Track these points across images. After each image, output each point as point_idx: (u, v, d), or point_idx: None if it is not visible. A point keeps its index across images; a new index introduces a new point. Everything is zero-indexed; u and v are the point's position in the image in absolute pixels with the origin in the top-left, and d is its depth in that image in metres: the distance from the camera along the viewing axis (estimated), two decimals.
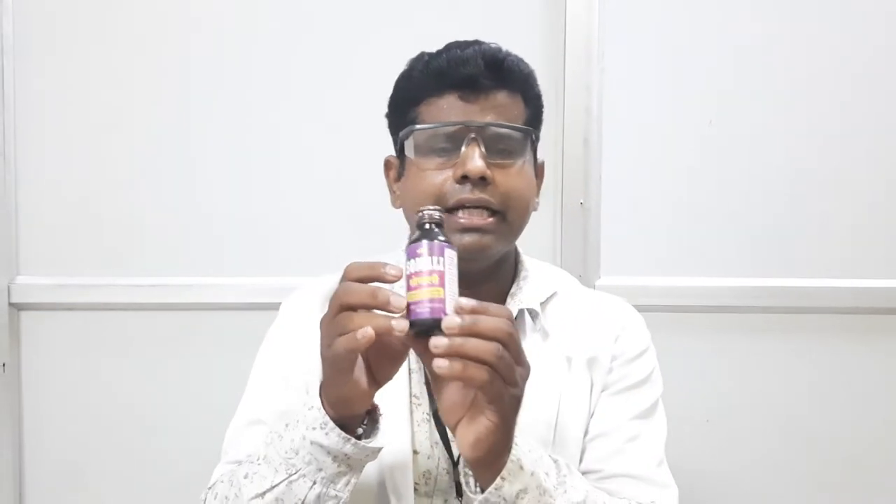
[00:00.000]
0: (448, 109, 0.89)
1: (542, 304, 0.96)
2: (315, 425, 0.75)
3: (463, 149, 0.87)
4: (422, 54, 0.94)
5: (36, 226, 1.51)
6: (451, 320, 0.67)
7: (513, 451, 0.74)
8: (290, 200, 1.50)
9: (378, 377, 0.74)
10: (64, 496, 1.53)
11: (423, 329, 0.68)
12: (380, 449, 0.77)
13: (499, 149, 0.88)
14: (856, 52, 1.49)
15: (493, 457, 0.73)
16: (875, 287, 1.51)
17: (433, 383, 0.75)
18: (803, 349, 1.52)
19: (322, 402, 0.75)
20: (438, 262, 0.69)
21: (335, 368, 0.72)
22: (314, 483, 0.75)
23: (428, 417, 0.91)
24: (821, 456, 1.53)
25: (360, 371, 0.72)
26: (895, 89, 1.50)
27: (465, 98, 0.88)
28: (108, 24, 1.49)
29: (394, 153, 0.97)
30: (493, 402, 0.70)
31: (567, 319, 0.97)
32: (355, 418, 0.76)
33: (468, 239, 0.87)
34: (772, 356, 1.52)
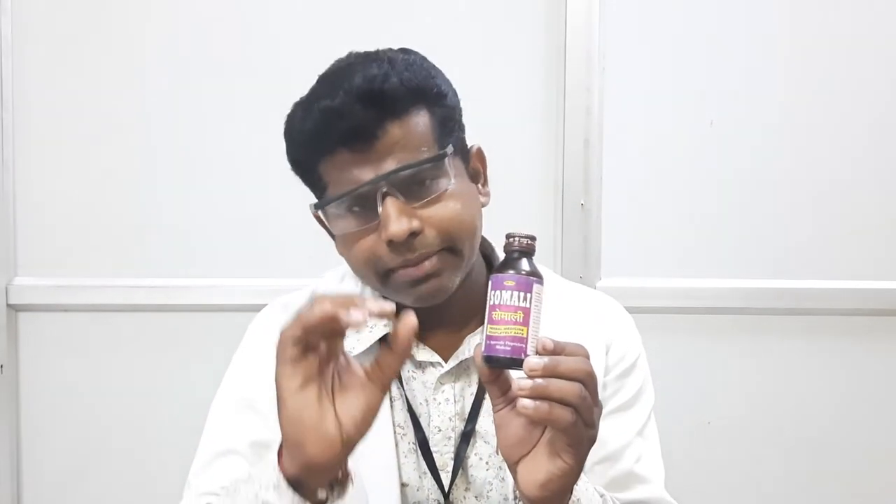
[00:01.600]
0: (346, 168, 0.79)
1: None
2: (268, 485, 0.67)
3: (379, 209, 0.78)
4: (294, 110, 0.83)
5: (34, 227, 1.50)
6: (534, 361, 0.64)
7: (574, 491, 0.72)
8: (289, 201, 1.48)
9: (345, 422, 0.65)
10: (62, 497, 1.53)
11: (499, 366, 0.67)
12: None
13: (417, 187, 0.79)
14: (856, 52, 1.49)
15: (558, 498, 0.71)
16: (876, 288, 1.50)
17: (495, 419, 0.71)
18: (804, 350, 1.52)
19: (280, 458, 0.67)
20: (525, 299, 0.66)
21: (292, 402, 0.64)
22: None
23: (414, 447, 0.87)
24: (821, 457, 1.53)
25: (322, 415, 0.64)
26: (895, 89, 1.50)
27: (359, 150, 0.78)
28: (106, 25, 1.48)
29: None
30: (574, 444, 0.67)
31: (554, 328, 0.91)
32: (321, 478, 0.68)
33: (424, 288, 0.81)
34: (773, 357, 1.52)
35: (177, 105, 1.48)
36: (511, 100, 1.49)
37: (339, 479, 0.70)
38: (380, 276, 0.82)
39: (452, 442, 0.87)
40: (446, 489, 0.87)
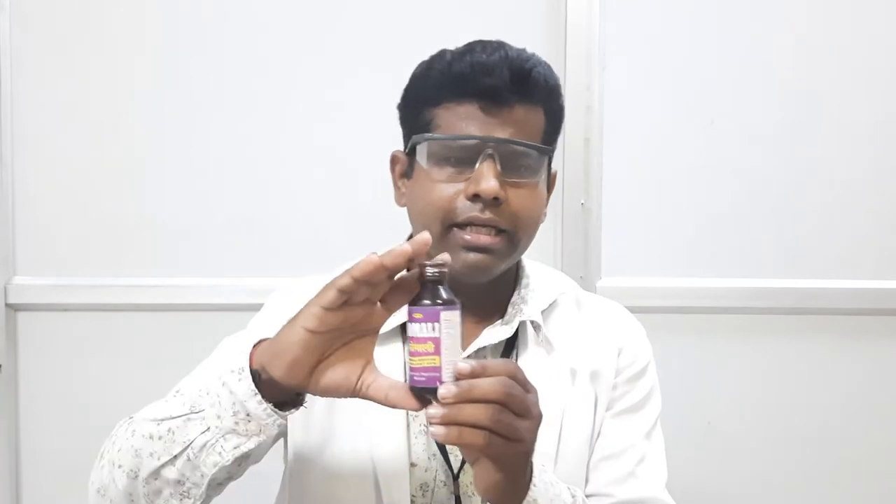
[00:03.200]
0: (467, 119, 0.85)
1: (544, 312, 0.94)
2: (234, 368, 0.72)
3: (478, 165, 0.84)
4: (443, 52, 0.89)
5: (33, 226, 1.50)
6: (445, 390, 0.66)
7: (529, 494, 0.74)
8: (289, 201, 1.49)
9: (319, 378, 0.70)
10: (61, 497, 1.52)
11: (423, 394, 0.69)
12: (281, 424, 0.72)
13: (515, 166, 0.85)
14: (856, 52, 1.49)
15: (509, 500, 0.73)
16: (876, 288, 1.50)
17: None
18: (805, 350, 1.52)
19: (252, 354, 0.72)
20: (434, 329, 0.68)
21: (298, 326, 0.68)
22: (207, 429, 0.72)
23: (425, 429, 0.89)
24: (822, 457, 1.53)
25: (309, 358, 0.69)
26: (895, 89, 1.50)
27: (486, 110, 0.84)
28: (105, 24, 1.48)
29: (402, 148, 0.94)
30: (496, 461, 0.70)
31: (569, 330, 0.95)
32: (279, 391, 0.72)
33: (472, 257, 0.85)
34: (773, 357, 1.52)
35: (177, 104, 1.48)
36: None
37: (291, 400, 0.74)
38: (444, 227, 0.86)
39: None
40: (455, 472, 0.89)
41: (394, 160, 0.95)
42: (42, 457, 1.52)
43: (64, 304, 1.50)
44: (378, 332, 0.73)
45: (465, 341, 0.90)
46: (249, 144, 1.48)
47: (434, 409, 0.67)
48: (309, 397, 0.78)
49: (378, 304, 0.71)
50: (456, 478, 0.89)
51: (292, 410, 0.74)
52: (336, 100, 1.48)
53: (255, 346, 0.73)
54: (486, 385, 0.67)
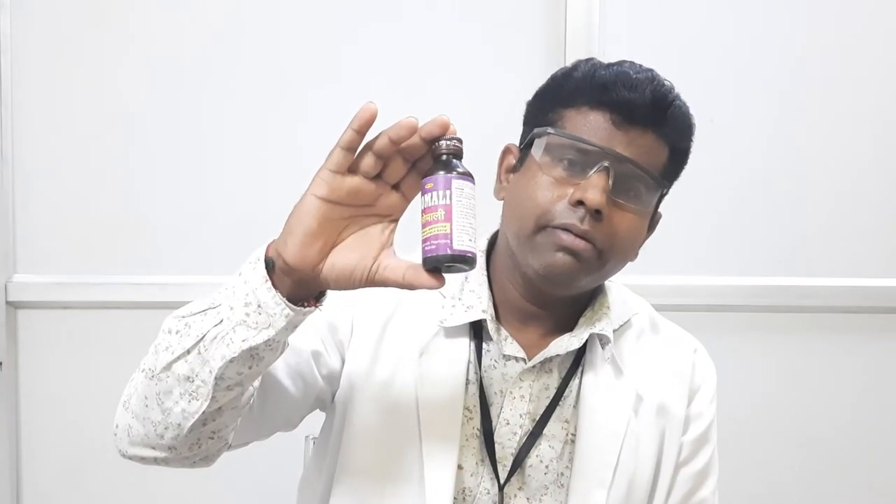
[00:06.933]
0: (594, 126, 0.83)
1: (616, 331, 0.92)
2: (252, 259, 0.70)
3: (591, 173, 0.81)
4: (591, 59, 0.89)
5: (33, 224, 1.50)
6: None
7: None
8: (289, 198, 1.48)
9: (331, 260, 0.68)
10: (61, 495, 1.53)
11: (432, 265, 0.66)
12: (289, 315, 0.68)
13: (625, 188, 0.83)
14: (857, 51, 1.49)
15: None
16: (877, 286, 1.51)
17: None
18: (807, 348, 1.52)
19: (269, 245, 0.70)
20: (445, 196, 0.65)
21: (312, 195, 0.68)
22: (220, 322, 0.69)
23: (478, 434, 0.88)
24: (824, 454, 1.53)
25: (320, 234, 0.68)
26: (894, 88, 1.50)
27: (617, 124, 0.82)
28: (105, 23, 1.48)
29: (517, 142, 0.92)
30: None
31: (640, 354, 0.93)
32: (289, 278, 0.69)
33: (560, 258, 0.82)
34: (774, 355, 1.52)
35: (177, 102, 1.48)
36: (511, 99, 1.47)
37: (306, 300, 0.70)
38: (538, 224, 0.83)
39: (518, 438, 0.88)
40: (501, 482, 0.87)
41: (506, 152, 0.93)
42: (42, 454, 1.53)
43: (64, 301, 1.50)
44: (397, 219, 0.70)
45: (532, 351, 0.89)
46: (250, 143, 1.49)
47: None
48: (359, 380, 0.77)
49: (394, 190, 0.69)
50: (502, 487, 0.88)
51: (307, 309, 0.70)
52: (336, 99, 1.48)
53: (273, 240, 0.71)
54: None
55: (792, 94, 1.49)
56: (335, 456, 0.90)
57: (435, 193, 0.66)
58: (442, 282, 0.67)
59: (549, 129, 0.85)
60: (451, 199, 0.65)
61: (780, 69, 1.49)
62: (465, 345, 0.88)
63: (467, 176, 0.67)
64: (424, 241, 0.66)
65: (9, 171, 1.48)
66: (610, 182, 0.81)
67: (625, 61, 0.88)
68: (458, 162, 0.67)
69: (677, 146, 0.88)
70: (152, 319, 1.47)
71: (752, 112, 1.49)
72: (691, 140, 0.91)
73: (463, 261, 0.66)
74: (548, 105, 0.87)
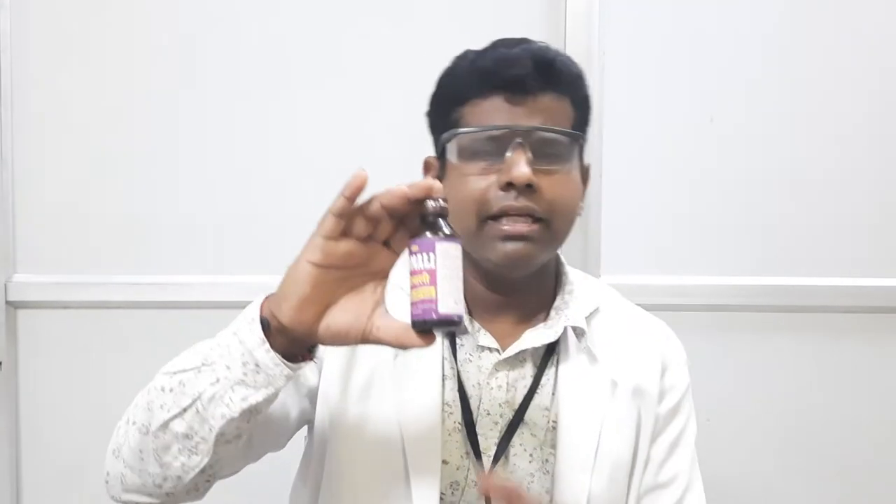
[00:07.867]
0: (493, 112, 0.85)
1: (587, 318, 0.94)
2: (247, 319, 0.72)
3: (508, 154, 0.83)
4: (467, 52, 0.91)
5: (33, 223, 1.50)
6: None
7: None
8: (290, 197, 1.49)
9: (327, 321, 0.70)
10: (61, 495, 1.52)
11: (420, 329, 0.69)
12: (289, 375, 0.71)
13: (546, 154, 0.85)
14: (857, 50, 1.49)
15: None
16: (877, 286, 1.51)
17: None
18: (804, 348, 1.52)
19: (262, 305, 0.72)
20: (429, 260, 0.68)
21: (304, 259, 0.69)
22: (216, 381, 0.71)
23: (460, 427, 0.89)
24: (822, 455, 1.53)
25: (314, 298, 0.69)
26: (894, 86, 1.50)
27: (512, 100, 0.85)
28: (106, 21, 1.48)
29: (434, 154, 0.94)
30: None
31: (611, 340, 0.95)
32: (284, 338, 0.71)
33: (511, 247, 0.85)
34: (773, 355, 1.52)
35: (177, 101, 1.48)
36: None
37: (301, 354, 0.73)
38: (479, 220, 0.86)
39: (499, 428, 0.89)
40: (487, 472, 0.88)
41: (427, 167, 0.95)
42: (42, 454, 1.52)
43: (64, 301, 1.50)
44: (387, 275, 0.72)
45: (505, 341, 0.91)
46: (250, 142, 1.48)
47: None
48: (336, 388, 0.78)
49: (384, 247, 0.71)
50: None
51: (302, 364, 0.73)
52: (336, 98, 1.48)
53: (266, 297, 0.73)
54: None
55: (792, 94, 1.49)
56: (321, 462, 0.91)
57: (421, 256, 0.68)
58: (433, 340, 0.69)
59: (453, 131, 0.87)
60: (435, 263, 0.68)
61: (781, 69, 1.49)
62: (438, 341, 0.88)
63: (452, 237, 0.69)
64: (413, 304, 0.69)
65: (9, 171, 1.48)
66: (529, 154, 0.83)
67: (496, 41, 0.90)
68: (443, 222, 0.69)
69: (576, 96, 0.90)
70: (152, 319, 1.50)
71: (752, 112, 1.49)
72: (586, 85, 0.92)
73: (449, 324, 0.69)
74: (445, 108, 0.89)
